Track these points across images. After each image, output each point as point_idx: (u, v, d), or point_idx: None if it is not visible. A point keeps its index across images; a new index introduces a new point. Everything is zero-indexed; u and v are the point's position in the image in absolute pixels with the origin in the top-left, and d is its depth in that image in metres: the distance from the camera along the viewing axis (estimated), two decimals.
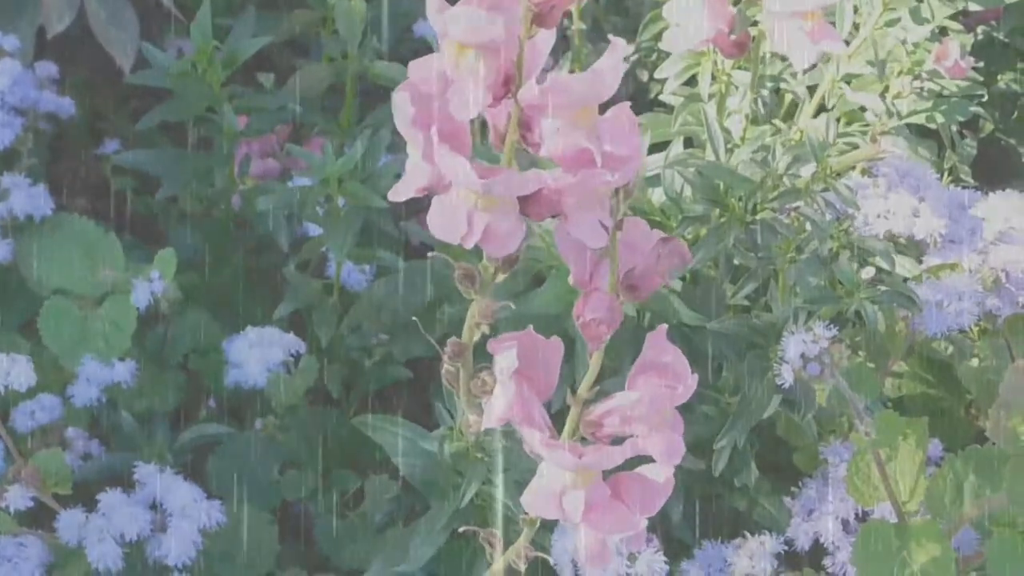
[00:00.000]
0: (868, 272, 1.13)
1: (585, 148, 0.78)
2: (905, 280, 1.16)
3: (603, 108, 0.80)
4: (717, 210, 1.11)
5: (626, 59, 1.47)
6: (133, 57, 1.42)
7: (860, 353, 1.16)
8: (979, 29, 1.47)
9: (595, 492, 0.80)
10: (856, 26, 1.24)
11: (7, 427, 1.17)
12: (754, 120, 1.24)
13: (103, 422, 1.27)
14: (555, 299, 1.11)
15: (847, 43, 1.21)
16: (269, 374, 1.24)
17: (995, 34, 1.48)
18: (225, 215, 1.40)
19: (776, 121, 1.24)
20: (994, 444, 1.00)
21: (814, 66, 1.21)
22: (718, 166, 1.13)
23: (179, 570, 1.11)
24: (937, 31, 1.27)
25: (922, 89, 1.27)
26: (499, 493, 1.00)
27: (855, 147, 1.25)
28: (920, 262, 1.20)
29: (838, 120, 1.27)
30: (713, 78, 1.24)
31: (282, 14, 1.45)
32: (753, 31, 1.20)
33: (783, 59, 1.22)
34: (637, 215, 1.14)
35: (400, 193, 0.81)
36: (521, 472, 0.96)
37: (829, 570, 1.09)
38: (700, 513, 1.15)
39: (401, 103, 0.78)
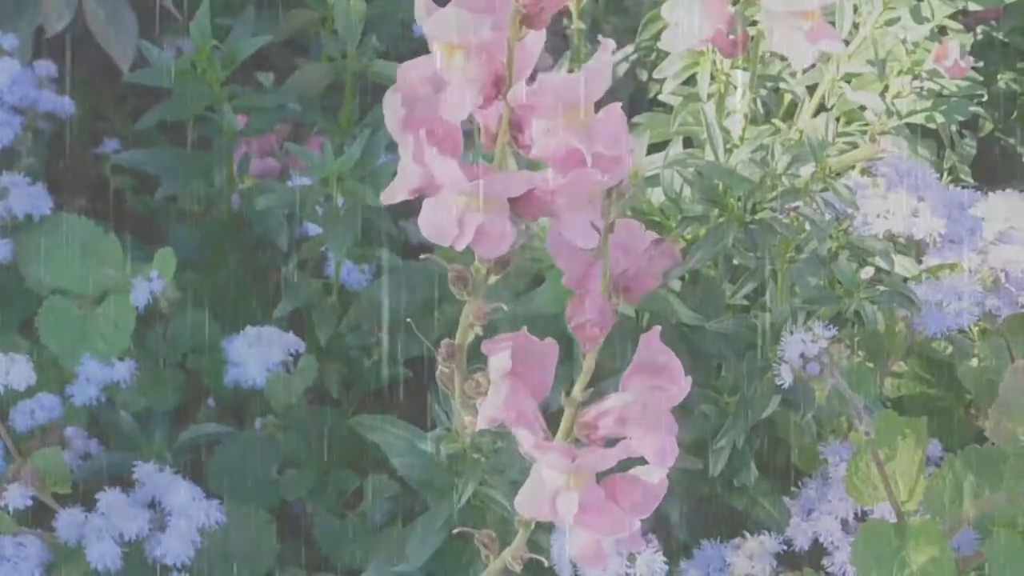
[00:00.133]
0: (867, 272, 1.13)
1: (576, 149, 0.77)
2: (904, 280, 1.16)
3: (599, 107, 0.80)
4: (716, 210, 1.11)
5: (625, 59, 1.48)
6: (132, 56, 1.42)
7: (859, 353, 1.16)
8: (979, 29, 1.47)
9: (589, 494, 0.80)
10: (856, 25, 1.24)
11: (6, 426, 1.17)
12: (753, 120, 1.24)
13: (102, 421, 1.27)
14: (554, 299, 1.11)
15: (847, 43, 1.21)
16: (268, 373, 1.24)
17: (995, 34, 1.48)
18: (224, 214, 1.40)
19: (775, 121, 1.24)
20: (994, 444, 1.00)
21: (813, 66, 1.21)
22: (717, 166, 1.13)
23: (178, 569, 1.11)
24: (937, 31, 1.27)
25: (922, 89, 1.27)
26: (495, 494, 1.00)
27: (854, 146, 1.25)
28: (919, 262, 1.20)
29: (837, 120, 1.27)
30: (712, 78, 1.24)
31: (281, 13, 1.45)
32: (752, 31, 1.20)
33: (782, 59, 1.22)
34: (636, 215, 1.15)
35: (392, 195, 0.81)
36: (518, 472, 0.96)
37: (828, 570, 1.09)
38: (699, 513, 1.15)
39: (391, 105, 0.78)
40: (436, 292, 1.23)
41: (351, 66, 1.37)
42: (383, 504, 1.21)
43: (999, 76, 1.49)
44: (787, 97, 1.30)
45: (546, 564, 0.93)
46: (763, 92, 1.26)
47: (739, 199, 1.10)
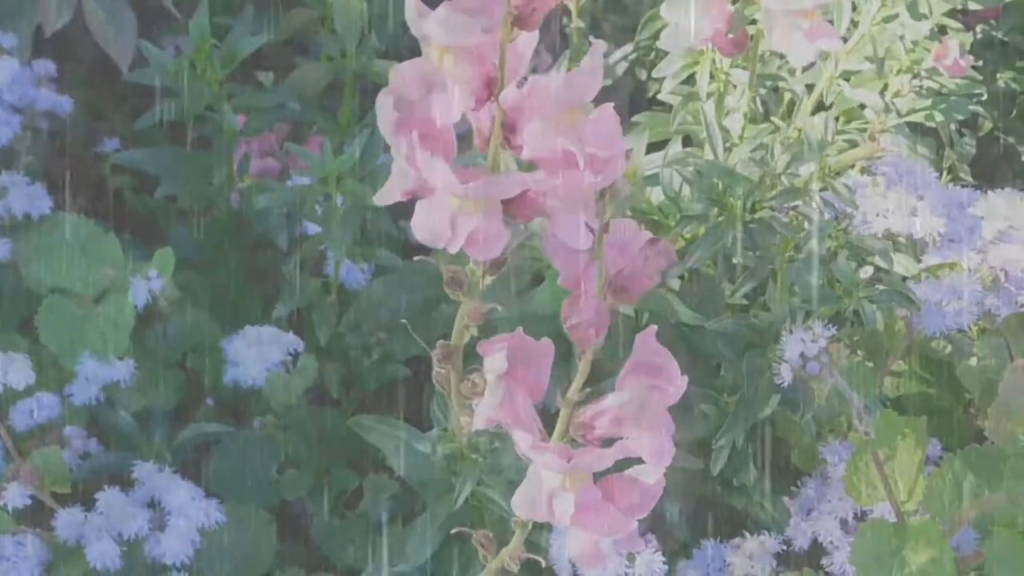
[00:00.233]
0: (867, 271, 1.13)
1: (569, 150, 0.77)
2: (904, 279, 1.16)
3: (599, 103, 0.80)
4: (716, 209, 1.11)
5: (624, 58, 1.48)
6: (131, 55, 1.42)
7: (859, 352, 1.16)
8: (978, 28, 1.47)
9: (585, 494, 0.80)
10: (855, 23, 1.24)
11: (6, 426, 1.17)
12: (753, 119, 1.24)
13: (102, 421, 1.27)
14: (553, 299, 1.11)
15: (845, 40, 1.21)
16: (268, 373, 1.24)
17: (994, 33, 1.48)
18: (224, 214, 1.40)
19: (774, 119, 1.24)
20: (993, 444, 1.00)
21: (812, 64, 1.21)
22: (717, 165, 1.13)
23: (177, 569, 1.11)
24: (936, 29, 1.27)
25: (921, 87, 1.27)
26: (493, 494, 1.00)
27: (854, 145, 1.25)
28: (919, 261, 1.20)
29: (837, 118, 1.27)
30: (711, 77, 1.24)
31: (281, 12, 1.45)
32: (751, 30, 1.20)
33: (780, 57, 1.22)
34: (636, 215, 1.15)
35: (385, 197, 0.81)
36: (515, 473, 0.96)
37: (828, 570, 1.09)
38: (699, 513, 1.15)
39: (384, 107, 0.78)
40: (436, 292, 1.22)
41: (350, 65, 1.37)
42: (383, 504, 1.21)
43: (998, 75, 1.49)
44: (787, 96, 1.30)
45: (543, 564, 0.94)
46: (763, 91, 1.26)
47: (738, 198, 1.10)
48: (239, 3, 1.43)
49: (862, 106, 1.29)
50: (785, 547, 1.10)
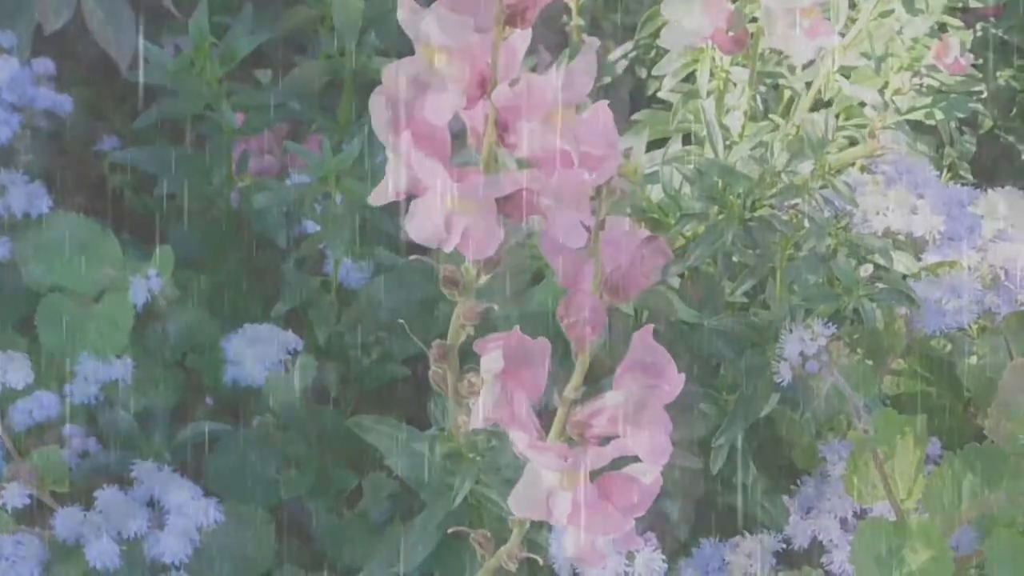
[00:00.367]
0: (866, 269, 1.13)
1: (562, 148, 0.77)
2: (904, 277, 1.16)
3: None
4: (715, 207, 1.11)
5: (624, 56, 1.47)
6: (130, 54, 1.42)
7: (858, 351, 1.16)
8: (978, 25, 1.47)
9: (582, 493, 0.80)
10: (852, 19, 1.24)
11: (5, 425, 1.17)
12: (753, 117, 1.24)
13: (101, 420, 1.27)
14: (552, 298, 1.10)
15: (842, 35, 1.21)
16: (267, 372, 1.24)
17: (994, 31, 1.48)
18: (223, 213, 1.40)
19: (772, 116, 1.24)
20: (993, 442, 0.99)
21: (812, 62, 1.21)
22: (716, 163, 1.13)
23: (176, 568, 1.11)
24: (937, 27, 1.27)
25: (921, 85, 1.27)
26: (491, 493, 1.00)
27: (854, 143, 1.25)
28: (919, 259, 1.20)
29: (837, 116, 1.27)
30: (711, 75, 1.24)
31: (280, 11, 1.45)
32: (751, 27, 1.20)
33: (778, 53, 1.22)
34: (636, 213, 1.14)
35: (380, 197, 0.81)
36: (513, 471, 0.96)
37: (827, 568, 1.09)
38: (698, 512, 1.15)
39: (377, 107, 0.78)
40: (435, 291, 1.22)
41: (349, 64, 1.37)
42: (382, 503, 1.21)
43: (999, 73, 1.49)
44: (787, 94, 1.29)
45: (541, 563, 0.93)
46: (763, 89, 1.25)
47: (738, 196, 1.10)
48: (238, 2, 1.43)
49: (862, 103, 1.29)
50: (784, 546, 1.10)
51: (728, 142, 1.17)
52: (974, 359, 1.20)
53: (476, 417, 0.81)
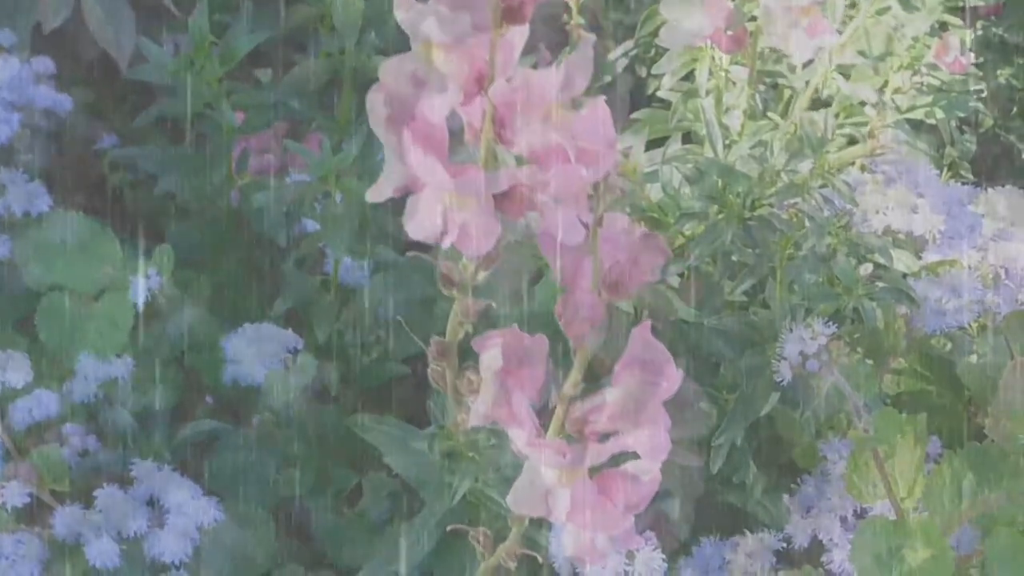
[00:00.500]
0: (866, 268, 1.13)
1: (559, 144, 0.77)
2: (904, 276, 1.16)
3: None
4: (715, 206, 1.11)
5: (624, 55, 1.47)
6: (129, 53, 1.42)
7: (858, 350, 1.16)
8: (978, 24, 1.47)
9: (581, 490, 0.80)
10: (850, 18, 1.24)
11: (4, 424, 1.17)
12: (752, 115, 1.24)
13: (100, 419, 1.26)
14: (553, 296, 1.10)
15: (840, 32, 1.21)
16: (267, 371, 1.24)
17: (994, 30, 1.48)
18: (223, 211, 1.40)
19: (771, 115, 1.24)
20: (993, 442, 0.99)
21: (812, 61, 1.21)
22: (716, 162, 1.13)
23: (176, 567, 1.11)
24: (937, 26, 1.27)
25: (921, 84, 1.27)
26: (490, 491, 1.00)
27: (853, 142, 1.25)
28: (919, 258, 1.20)
29: (836, 115, 1.27)
30: (711, 74, 1.24)
31: (280, 10, 1.45)
32: (751, 26, 1.20)
33: (778, 52, 1.22)
34: (635, 212, 1.14)
35: (378, 194, 0.81)
36: (512, 469, 0.96)
37: (827, 567, 1.09)
38: (698, 511, 1.15)
39: (374, 104, 0.78)
40: (435, 289, 1.22)
41: (349, 62, 1.37)
42: (382, 502, 1.21)
43: (999, 72, 1.49)
44: (786, 93, 1.29)
45: (541, 561, 0.93)
46: (762, 88, 1.25)
47: (738, 195, 1.10)
48: (238, 1, 1.43)
49: (862, 102, 1.29)
50: (785, 545, 1.10)
51: (727, 141, 1.17)
52: (974, 358, 1.20)
53: (475, 415, 0.81)
